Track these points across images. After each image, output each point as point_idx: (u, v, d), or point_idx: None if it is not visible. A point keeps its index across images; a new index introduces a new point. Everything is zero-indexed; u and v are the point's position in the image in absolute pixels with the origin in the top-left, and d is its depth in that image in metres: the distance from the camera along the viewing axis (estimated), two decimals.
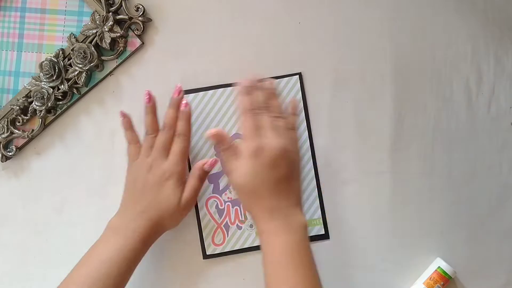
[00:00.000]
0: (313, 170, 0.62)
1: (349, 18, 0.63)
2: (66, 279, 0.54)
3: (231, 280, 0.61)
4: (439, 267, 0.59)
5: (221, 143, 0.56)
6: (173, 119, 0.59)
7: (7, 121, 0.61)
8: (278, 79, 0.63)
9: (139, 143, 0.59)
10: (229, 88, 0.63)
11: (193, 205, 0.60)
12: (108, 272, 0.52)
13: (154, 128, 0.59)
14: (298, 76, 0.63)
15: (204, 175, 0.60)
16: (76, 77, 0.61)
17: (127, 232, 0.55)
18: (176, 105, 0.59)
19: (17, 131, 0.62)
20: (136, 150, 0.59)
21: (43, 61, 0.60)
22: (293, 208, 0.53)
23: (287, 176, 0.54)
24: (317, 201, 0.62)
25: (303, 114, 0.63)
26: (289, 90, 0.63)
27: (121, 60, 0.62)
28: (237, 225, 0.62)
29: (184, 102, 0.59)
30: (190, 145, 0.60)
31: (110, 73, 0.63)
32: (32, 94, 0.61)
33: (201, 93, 0.63)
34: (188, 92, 0.63)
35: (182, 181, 0.58)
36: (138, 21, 0.61)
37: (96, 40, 0.60)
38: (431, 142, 0.62)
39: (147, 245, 0.56)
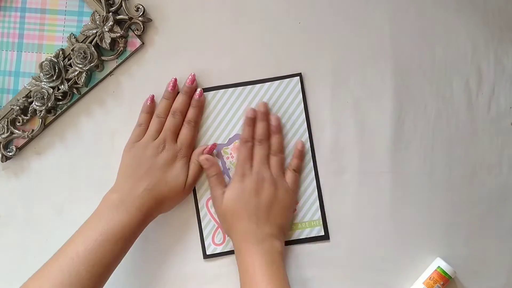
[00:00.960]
0: (313, 170, 0.62)
1: (349, 18, 0.63)
2: (65, 250, 0.53)
3: (231, 280, 0.61)
4: (438, 266, 0.59)
5: (211, 169, 0.60)
6: (185, 105, 0.61)
7: (7, 121, 0.61)
8: (279, 80, 0.63)
9: (147, 128, 0.61)
10: (230, 89, 0.63)
11: (192, 190, 0.61)
12: (111, 249, 0.53)
13: (166, 112, 0.61)
14: (298, 77, 0.63)
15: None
16: (76, 77, 0.61)
17: (131, 209, 0.55)
18: (190, 93, 0.61)
19: (17, 131, 0.62)
20: (142, 133, 0.60)
21: (43, 61, 0.60)
22: (269, 237, 0.57)
23: (268, 205, 0.58)
24: (317, 202, 0.62)
25: (303, 114, 0.63)
26: (290, 91, 0.63)
27: (121, 60, 0.62)
28: None
29: (198, 91, 0.61)
30: (197, 134, 0.62)
31: (110, 73, 0.63)
32: (32, 94, 0.61)
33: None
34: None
35: (188, 165, 0.60)
36: (138, 21, 0.61)
37: (96, 40, 0.60)
38: (431, 142, 0.62)
39: (146, 224, 0.57)
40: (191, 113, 0.61)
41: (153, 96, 0.62)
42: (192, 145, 0.61)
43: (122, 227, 0.54)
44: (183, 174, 0.59)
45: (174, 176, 0.59)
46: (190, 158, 0.61)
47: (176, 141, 0.60)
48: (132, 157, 0.59)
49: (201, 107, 0.62)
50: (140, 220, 0.56)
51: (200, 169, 0.61)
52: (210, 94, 0.63)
